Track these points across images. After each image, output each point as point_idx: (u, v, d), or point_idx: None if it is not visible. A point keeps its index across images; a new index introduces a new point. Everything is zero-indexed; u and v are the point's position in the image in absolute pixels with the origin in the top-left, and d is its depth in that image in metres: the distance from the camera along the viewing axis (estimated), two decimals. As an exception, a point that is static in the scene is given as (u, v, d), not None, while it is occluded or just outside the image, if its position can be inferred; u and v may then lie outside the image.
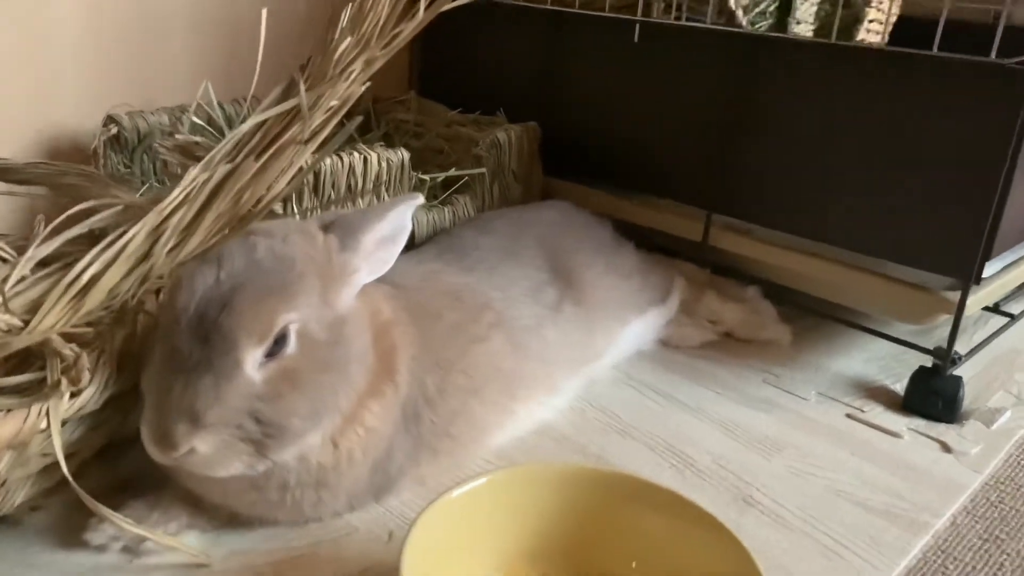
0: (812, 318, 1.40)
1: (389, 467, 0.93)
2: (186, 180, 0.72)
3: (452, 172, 1.35)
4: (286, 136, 0.75)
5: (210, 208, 0.71)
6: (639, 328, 1.29)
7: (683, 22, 1.36)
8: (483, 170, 1.35)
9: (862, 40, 1.41)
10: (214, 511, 0.88)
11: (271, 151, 0.74)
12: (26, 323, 0.65)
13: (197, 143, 1.12)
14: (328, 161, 1.15)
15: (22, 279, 0.70)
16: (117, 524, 0.78)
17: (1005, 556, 0.92)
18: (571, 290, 1.19)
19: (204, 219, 0.72)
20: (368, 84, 0.79)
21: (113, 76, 1.43)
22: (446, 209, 1.36)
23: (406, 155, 1.25)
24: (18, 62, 1.32)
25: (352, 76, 0.76)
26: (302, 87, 0.73)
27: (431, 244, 1.23)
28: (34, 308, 0.66)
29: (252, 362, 0.78)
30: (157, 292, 0.90)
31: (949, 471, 1.07)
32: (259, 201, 0.75)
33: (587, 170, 1.53)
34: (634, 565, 0.78)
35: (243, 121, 0.74)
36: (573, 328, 1.16)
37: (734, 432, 1.13)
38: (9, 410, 0.71)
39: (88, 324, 0.74)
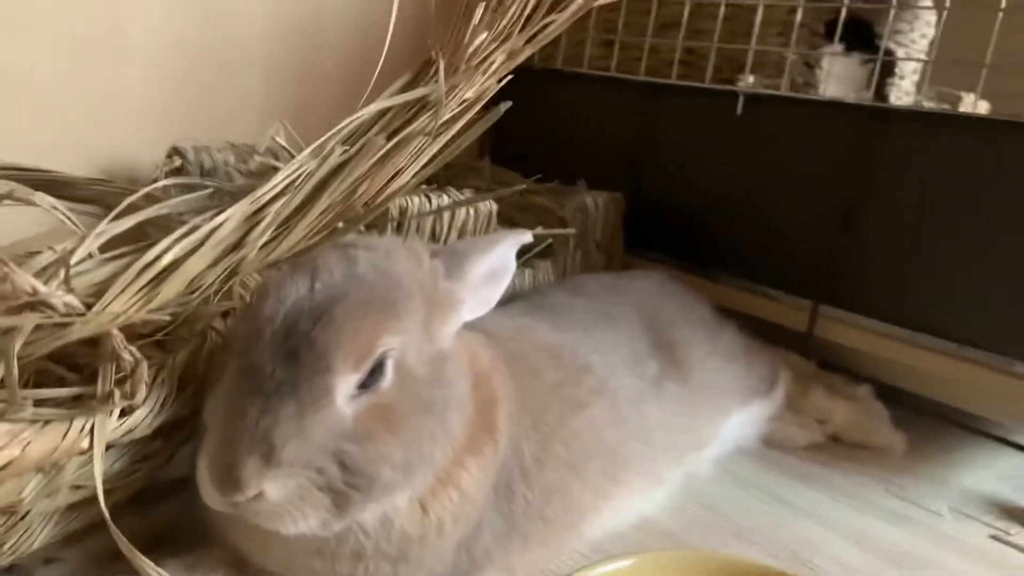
0: (926, 423, 1.24)
1: (475, 549, 0.77)
2: (292, 166, 0.60)
3: (539, 231, 1.23)
4: (412, 127, 0.64)
5: (319, 198, 0.59)
6: (741, 420, 1.13)
7: (792, 93, 1.28)
8: (573, 230, 1.24)
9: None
10: (265, 581, 0.72)
11: (394, 141, 0.63)
12: (88, 307, 0.52)
13: (276, 168, 1.02)
14: (416, 200, 1.04)
15: (89, 257, 0.57)
16: (153, 582, 0.62)
17: None
18: (674, 367, 1.05)
19: (310, 210, 0.60)
20: (510, 77, 0.69)
21: (178, 108, 1.35)
22: (526, 272, 1.24)
23: (494, 206, 1.14)
24: (82, 82, 1.25)
25: (492, 69, 0.66)
26: (441, 67, 0.62)
27: (518, 302, 1.10)
28: (100, 293, 0.53)
29: (345, 391, 0.64)
30: (226, 314, 0.77)
31: None
32: (377, 195, 0.63)
33: (676, 249, 1.42)
34: None
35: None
36: (676, 409, 1.01)
37: (863, 544, 0.96)
38: (47, 422, 0.57)
39: (156, 330, 0.60)
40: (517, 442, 0.80)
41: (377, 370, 0.65)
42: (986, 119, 1.13)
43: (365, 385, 0.65)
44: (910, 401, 1.23)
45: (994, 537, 1.01)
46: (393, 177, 0.63)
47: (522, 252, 1.29)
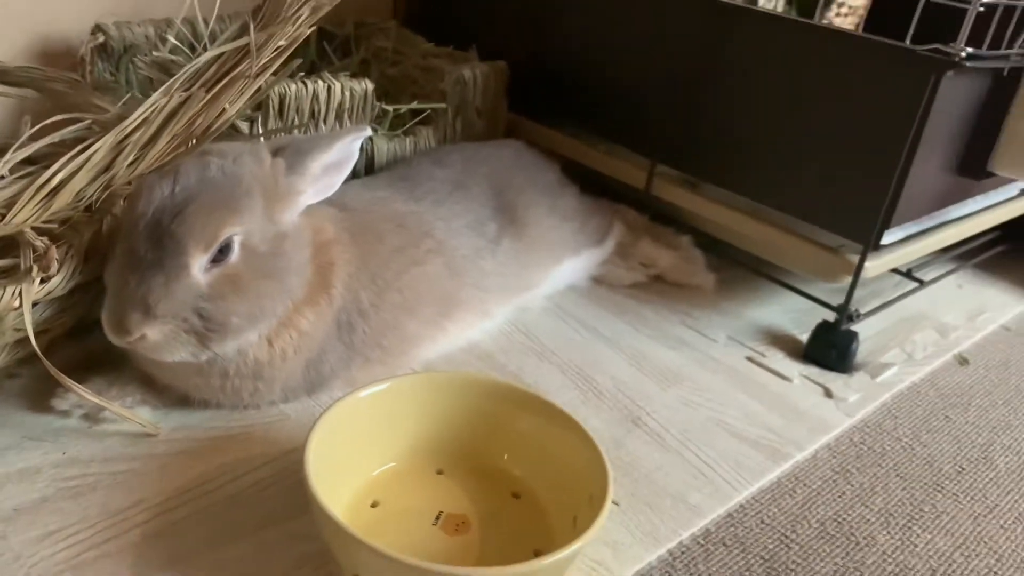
0: (740, 270, 1.50)
1: (321, 368, 1.06)
2: (146, 104, 0.82)
3: (414, 105, 1.44)
4: (237, 70, 0.86)
5: (166, 130, 0.82)
6: (573, 266, 1.41)
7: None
8: (444, 105, 1.45)
9: (829, 22, 1.50)
10: (164, 391, 1.02)
11: (223, 82, 0.85)
12: (2, 216, 0.76)
13: (173, 61, 1.22)
14: (293, 87, 1.25)
15: (2, 178, 0.81)
16: (79, 394, 0.92)
17: (848, 486, 1.06)
18: (512, 226, 1.30)
19: (160, 138, 0.83)
20: (313, 28, 0.89)
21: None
22: (407, 139, 1.46)
23: (370, 86, 1.34)
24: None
25: (300, 20, 0.86)
26: (252, 28, 0.83)
27: (387, 172, 1.34)
28: (10, 204, 0.77)
29: (198, 266, 0.90)
30: (125, 198, 1.02)
31: (825, 413, 1.20)
32: (210, 126, 0.85)
33: (553, 110, 1.62)
34: (506, 457, 0.92)
35: (203, 52, 0.84)
36: (509, 261, 1.28)
37: (639, 363, 1.26)
38: (-13, 289, 0.84)
39: (60, 222, 0.86)
40: (355, 293, 1.07)
41: (225, 250, 0.91)
42: (784, 20, 1.30)
43: (217, 260, 0.91)
44: (725, 251, 1.49)
45: (749, 359, 1.31)
46: (223, 112, 0.85)
47: (403, 123, 1.51)
